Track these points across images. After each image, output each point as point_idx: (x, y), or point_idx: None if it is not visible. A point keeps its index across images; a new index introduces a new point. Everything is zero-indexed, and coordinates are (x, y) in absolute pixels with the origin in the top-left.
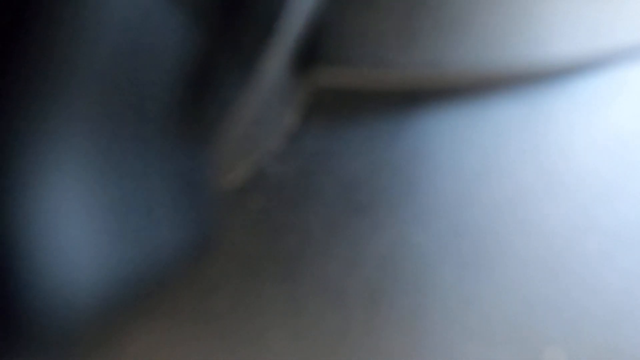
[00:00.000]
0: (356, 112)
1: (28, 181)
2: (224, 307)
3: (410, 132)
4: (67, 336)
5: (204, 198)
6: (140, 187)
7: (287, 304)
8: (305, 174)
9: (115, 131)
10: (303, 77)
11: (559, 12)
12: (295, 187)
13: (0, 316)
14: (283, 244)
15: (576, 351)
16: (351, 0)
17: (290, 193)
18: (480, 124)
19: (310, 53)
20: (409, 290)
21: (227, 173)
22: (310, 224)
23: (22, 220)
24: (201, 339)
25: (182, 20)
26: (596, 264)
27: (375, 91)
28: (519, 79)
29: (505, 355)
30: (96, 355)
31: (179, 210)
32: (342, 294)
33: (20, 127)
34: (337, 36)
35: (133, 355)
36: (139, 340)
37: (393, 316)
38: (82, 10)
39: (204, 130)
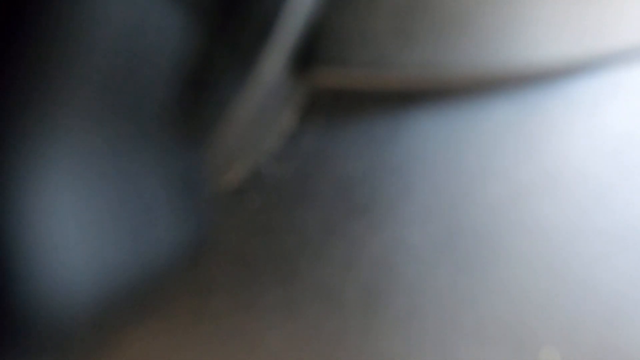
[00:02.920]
0: (354, 113)
1: (24, 181)
2: (221, 308)
3: (408, 132)
4: (64, 337)
5: (201, 198)
6: (137, 187)
7: (284, 305)
8: (302, 174)
9: (112, 131)
10: (301, 77)
11: (556, 13)
12: (292, 187)
13: None
14: (280, 245)
15: (570, 351)
16: (349, 0)
17: (288, 193)
18: (477, 124)
19: (308, 53)
20: (406, 291)
21: (225, 173)
22: (307, 225)
23: (18, 220)
24: (198, 339)
25: (180, 20)
26: (591, 265)
27: (373, 92)
28: (516, 80)
29: (501, 356)
30: (93, 357)
31: (176, 211)
32: (338, 295)
33: (17, 126)
34: (335, 37)
35: (130, 356)
36: (136, 341)
37: (389, 317)
38: (79, 10)
39: (202, 130)
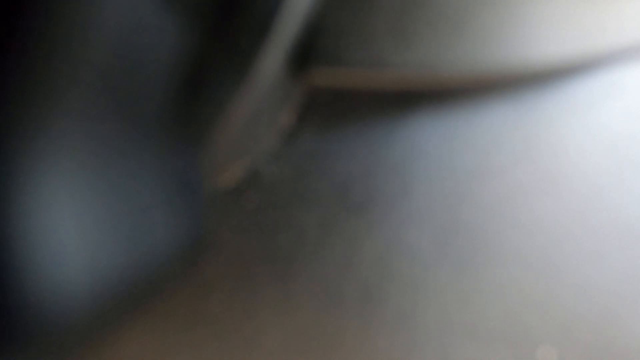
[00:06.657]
0: (351, 112)
1: (21, 181)
2: (218, 307)
3: (406, 132)
4: (61, 337)
5: (199, 198)
6: (134, 187)
7: (282, 304)
8: (300, 173)
9: (110, 131)
10: (298, 76)
11: (552, 14)
12: (290, 186)
13: None
14: (278, 244)
15: (568, 350)
16: (347, 0)
17: (285, 193)
18: (474, 124)
19: (306, 53)
20: (404, 290)
21: (222, 173)
22: (305, 224)
23: (15, 219)
24: (196, 339)
25: (177, 20)
26: (588, 264)
27: (370, 91)
28: (512, 80)
29: (498, 354)
30: (90, 356)
31: (173, 210)
32: (337, 294)
33: (14, 126)
34: (333, 36)
35: (127, 356)
36: (133, 341)
37: (388, 316)
38: (77, 10)
39: (199, 130)
